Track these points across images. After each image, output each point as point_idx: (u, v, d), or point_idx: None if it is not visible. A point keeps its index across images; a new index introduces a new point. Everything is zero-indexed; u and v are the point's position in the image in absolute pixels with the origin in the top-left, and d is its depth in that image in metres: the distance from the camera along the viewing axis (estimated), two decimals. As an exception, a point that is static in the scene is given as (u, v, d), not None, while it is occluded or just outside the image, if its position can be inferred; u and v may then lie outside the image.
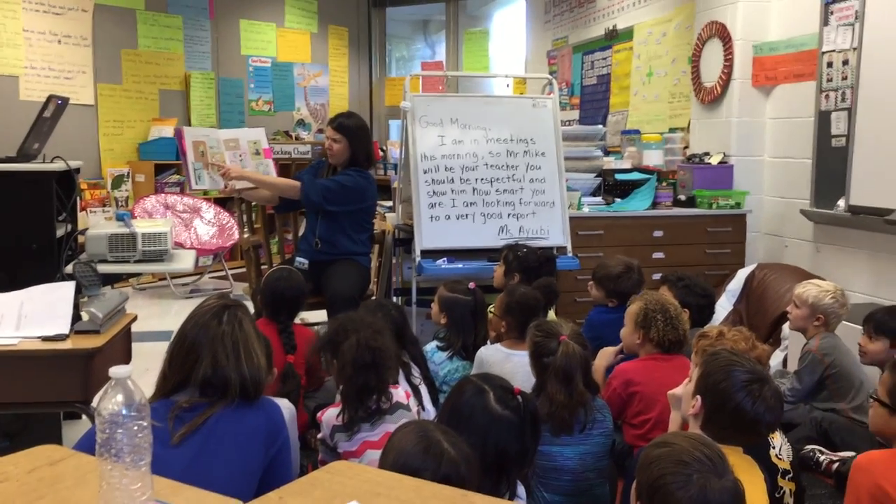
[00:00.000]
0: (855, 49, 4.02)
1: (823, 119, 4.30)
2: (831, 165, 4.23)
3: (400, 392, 2.47)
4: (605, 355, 3.10)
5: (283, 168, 4.38)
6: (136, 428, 1.19)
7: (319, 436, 2.43)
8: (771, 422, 1.90)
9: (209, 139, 3.97)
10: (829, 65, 4.25)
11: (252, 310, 2.72)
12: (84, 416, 2.55)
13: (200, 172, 3.87)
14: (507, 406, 1.91)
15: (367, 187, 4.05)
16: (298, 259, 3.99)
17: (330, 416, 2.38)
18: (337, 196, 3.94)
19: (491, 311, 3.28)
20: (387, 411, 2.35)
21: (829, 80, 4.25)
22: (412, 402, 2.50)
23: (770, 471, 2.16)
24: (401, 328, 2.93)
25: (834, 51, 4.22)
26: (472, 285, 3.27)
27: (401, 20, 9.83)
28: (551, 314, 3.38)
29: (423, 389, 2.81)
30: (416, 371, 2.86)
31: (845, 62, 4.14)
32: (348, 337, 2.40)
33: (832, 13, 4.23)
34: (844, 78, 4.14)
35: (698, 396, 1.95)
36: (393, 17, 9.59)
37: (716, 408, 1.90)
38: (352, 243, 4.04)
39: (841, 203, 4.12)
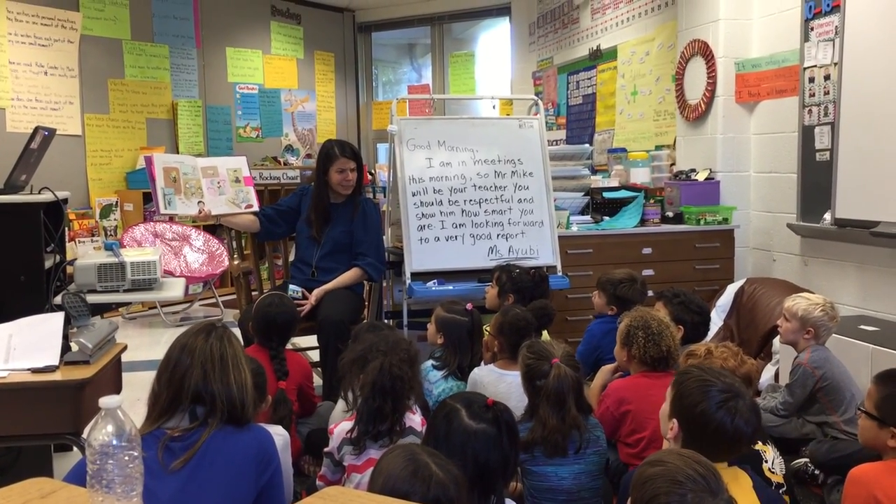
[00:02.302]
0: (836, 64, 4.07)
1: (807, 134, 4.34)
2: (816, 179, 4.26)
3: (416, 418, 2.48)
4: (604, 374, 3.09)
5: (273, 193, 4.35)
6: (126, 458, 1.18)
7: (326, 449, 2.43)
8: (751, 434, 1.88)
9: (183, 165, 3.91)
10: (811, 80, 4.30)
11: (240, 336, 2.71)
12: (75, 448, 2.53)
13: (171, 197, 3.82)
14: (481, 419, 1.93)
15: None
16: (292, 287, 3.94)
17: (342, 428, 2.40)
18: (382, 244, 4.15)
19: (487, 331, 3.28)
20: (398, 434, 2.36)
21: (812, 96, 4.30)
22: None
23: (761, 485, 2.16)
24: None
25: (815, 66, 4.26)
26: (469, 306, 3.28)
27: (386, 44, 9.89)
28: (544, 334, 3.38)
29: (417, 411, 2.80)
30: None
31: (827, 77, 4.18)
32: (377, 357, 2.42)
33: (812, 29, 4.28)
34: (826, 93, 4.19)
35: (674, 419, 1.94)
36: (379, 42, 9.65)
37: (694, 430, 1.89)
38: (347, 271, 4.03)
39: (827, 216, 4.15)
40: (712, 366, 2.22)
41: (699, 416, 1.87)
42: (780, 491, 2.25)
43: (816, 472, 2.98)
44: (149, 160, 3.89)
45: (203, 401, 1.81)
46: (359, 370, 2.48)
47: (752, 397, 1.95)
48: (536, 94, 7.49)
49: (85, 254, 3.89)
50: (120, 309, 6.37)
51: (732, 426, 1.84)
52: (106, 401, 1.19)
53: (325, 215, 4.00)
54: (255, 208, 4.04)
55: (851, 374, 3.19)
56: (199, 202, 3.86)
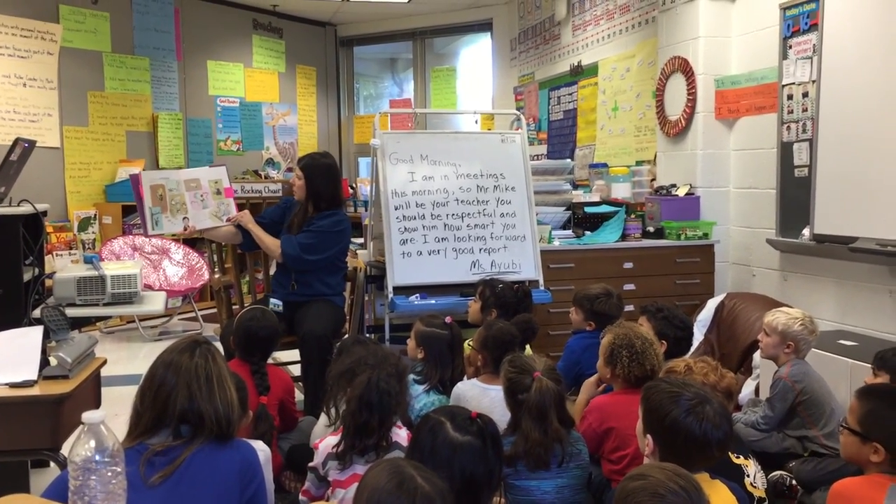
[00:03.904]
0: (814, 82, 4.12)
1: (786, 150, 4.39)
2: (795, 195, 4.30)
3: (402, 433, 2.46)
4: (589, 388, 3.08)
5: (254, 207, 4.32)
6: (109, 474, 1.17)
7: (311, 464, 2.41)
8: (721, 438, 1.89)
9: (168, 181, 3.91)
10: (790, 97, 4.35)
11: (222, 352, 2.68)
12: (52, 464, 2.49)
13: (158, 217, 3.80)
14: (466, 432, 1.93)
15: (342, 230, 4.02)
16: (273, 300, 3.93)
17: (328, 443, 2.37)
18: (315, 247, 3.91)
19: (469, 345, 3.27)
20: (384, 449, 2.34)
21: (790, 112, 4.35)
22: None
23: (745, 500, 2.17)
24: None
25: (794, 83, 4.32)
26: (448, 320, 3.27)
27: (368, 59, 9.91)
28: (527, 348, 3.38)
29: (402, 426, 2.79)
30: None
31: (805, 94, 4.24)
32: (365, 371, 2.41)
33: (791, 47, 4.34)
34: (805, 110, 4.24)
35: (649, 435, 1.95)
36: (360, 56, 9.67)
37: (666, 441, 1.90)
38: (326, 285, 4.01)
39: (806, 232, 4.19)
40: (693, 381, 2.23)
41: (669, 426, 1.89)
42: (763, 505, 2.26)
43: (793, 482, 3.00)
44: (135, 179, 3.86)
45: (189, 420, 1.79)
46: (346, 383, 2.47)
47: (720, 403, 1.96)
48: (518, 109, 7.52)
49: (63, 267, 3.85)
50: (98, 323, 6.31)
51: (701, 431, 1.86)
52: (89, 415, 1.18)
53: (301, 227, 3.99)
54: None
55: (831, 389, 3.21)
56: (183, 218, 3.85)
